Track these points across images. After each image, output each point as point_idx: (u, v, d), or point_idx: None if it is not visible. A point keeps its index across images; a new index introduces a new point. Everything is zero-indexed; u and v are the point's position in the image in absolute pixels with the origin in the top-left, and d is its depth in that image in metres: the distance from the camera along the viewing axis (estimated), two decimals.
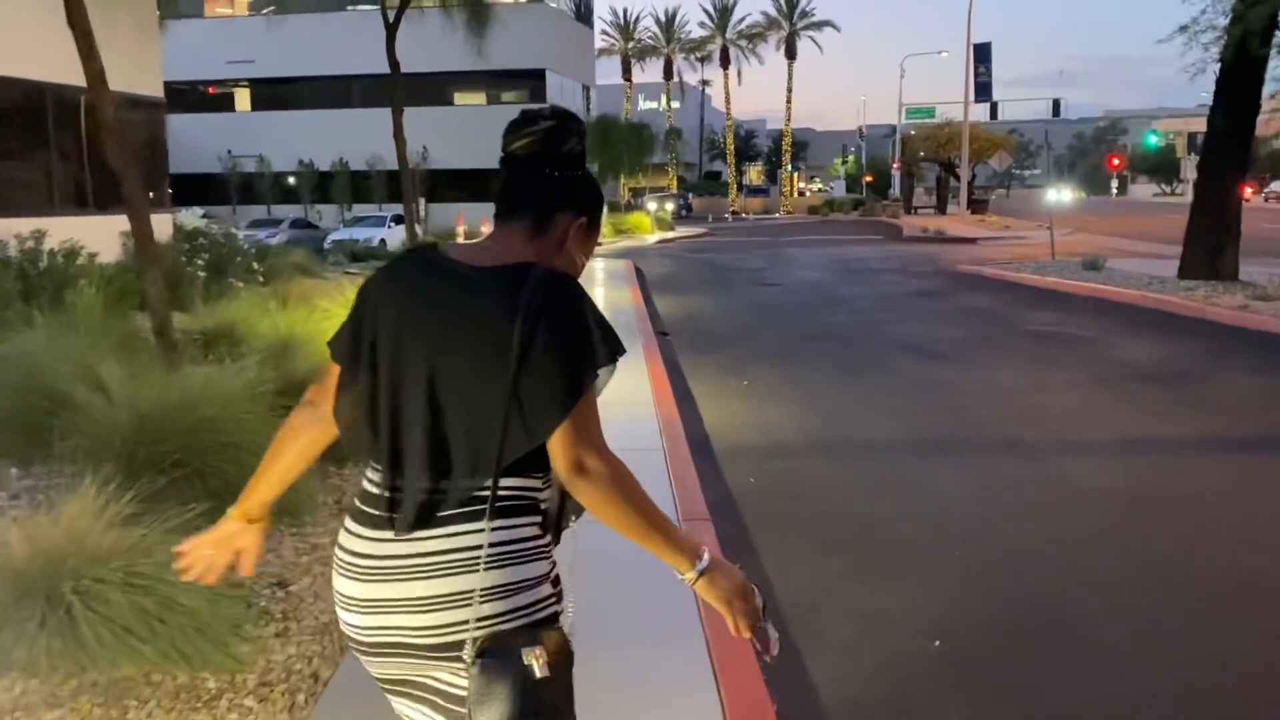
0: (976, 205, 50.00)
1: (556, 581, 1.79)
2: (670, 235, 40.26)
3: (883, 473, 6.72)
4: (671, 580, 1.87)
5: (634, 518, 1.76)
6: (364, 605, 1.74)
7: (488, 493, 1.71)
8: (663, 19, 71.86)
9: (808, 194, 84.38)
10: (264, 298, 10.80)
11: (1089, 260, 19.39)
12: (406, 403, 1.76)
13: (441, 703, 1.76)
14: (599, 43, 62.48)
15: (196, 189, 44.04)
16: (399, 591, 1.71)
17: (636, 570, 3.58)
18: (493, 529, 1.70)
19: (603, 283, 19.31)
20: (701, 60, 73.87)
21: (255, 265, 13.29)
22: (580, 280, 1.89)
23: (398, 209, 34.74)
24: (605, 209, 2.11)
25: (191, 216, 38.56)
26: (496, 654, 1.67)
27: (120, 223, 12.88)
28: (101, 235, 11.79)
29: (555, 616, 1.75)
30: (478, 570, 1.68)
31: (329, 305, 9.90)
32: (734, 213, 65.39)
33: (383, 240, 32.36)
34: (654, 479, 5.95)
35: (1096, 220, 41.84)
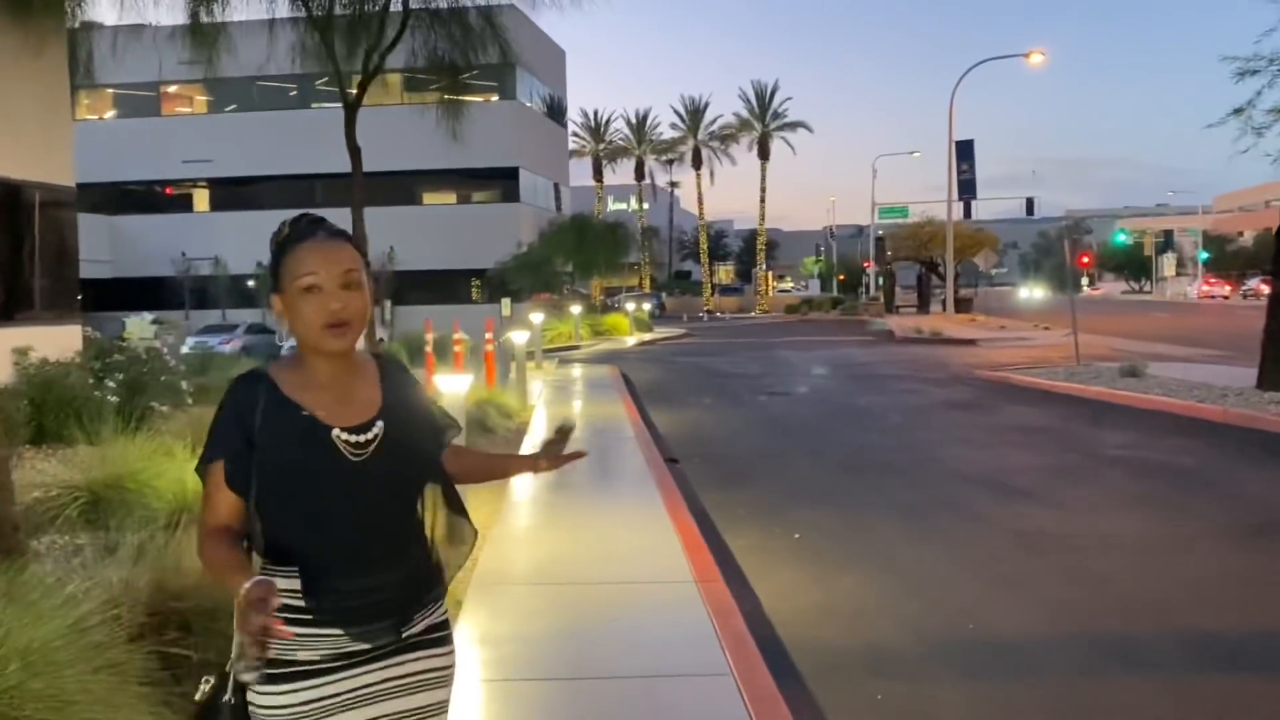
0: (961, 304, 48.73)
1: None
2: (649, 336, 38.44)
3: (1063, 710, 4.58)
4: None
5: (211, 574, 2.03)
6: None
7: None
8: (634, 120, 71.29)
9: (790, 292, 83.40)
10: (183, 431, 8.60)
11: (1126, 367, 17.58)
12: None
13: None
14: (569, 144, 61.62)
15: (148, 293, 41.93)
16: None
17: None
18: None
19: (588, 393, 17.24)
20: (671, 161, 73.37)
21: (183, 385, 11.09)
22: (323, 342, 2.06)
23: None
24: (289, 257, 2.07)
25: (141, 323, 36.43)
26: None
27: (12, 337, 10.78)
28: None
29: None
30: None
31: None
32: (709, 312, 63.95)
33: None
34: None
35: (1084, 319, 40.48)
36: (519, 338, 15.91)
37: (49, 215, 11.63)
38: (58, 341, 10.67)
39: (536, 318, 22.76)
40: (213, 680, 2.04)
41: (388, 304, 40.28)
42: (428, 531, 2.19)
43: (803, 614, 5.88)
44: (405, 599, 2.10)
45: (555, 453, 2.44)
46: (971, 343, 30.49)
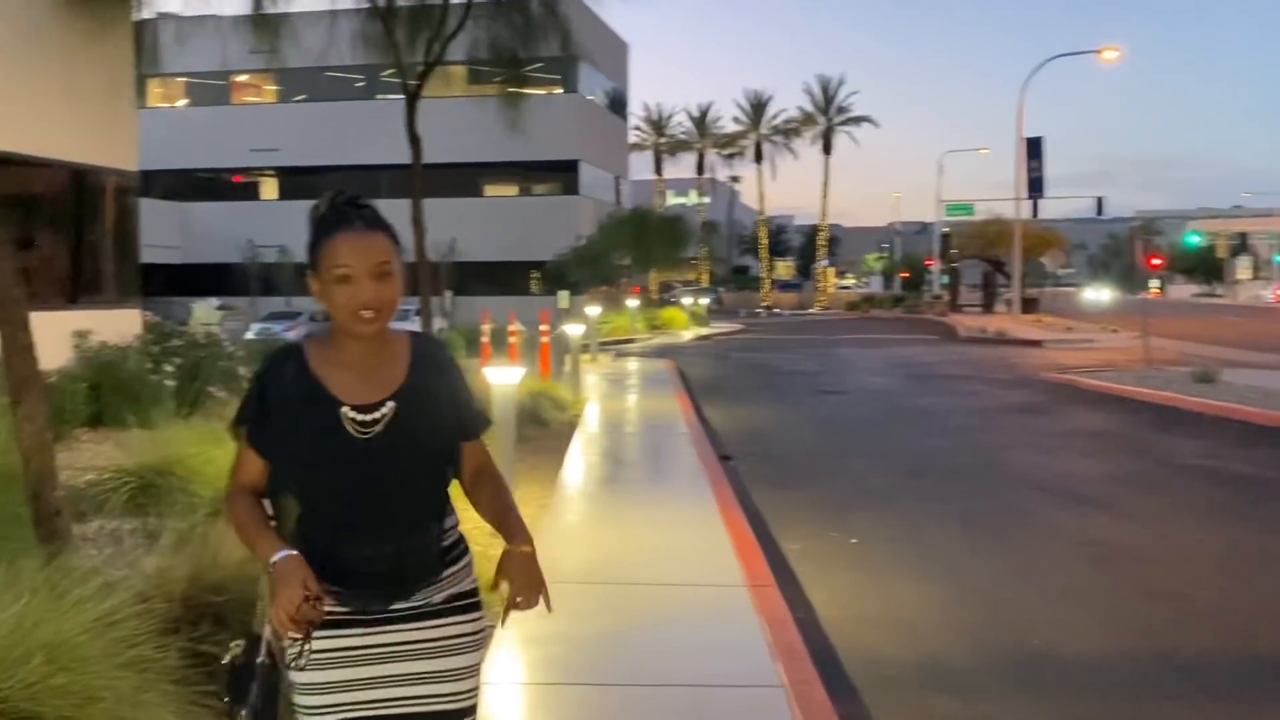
0: (1027, 304, 47.70)
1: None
2: (706, 331, 38.17)
3: None
4: None
5: (237, 533, 2.16)
6: None
7: None
8: (695, 114, 70.93)
9: (850, 289, 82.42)
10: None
11: (1199, 372, 16.99)
12: None
13: None
14: (630, 138, 61.52)
15: (215, 279, 42.61)
16: None
17: None
18: None
19: (642, 386, 17.09)
20: (732, 156, 72.91)
21: (240, 370, 11.13)
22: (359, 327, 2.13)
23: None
24: (325, 245, 2.14)
25: (207, 308, 36.97)
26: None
27: (74, 320, 10.89)
28: (45, 335, 9.65)
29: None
30: None
31: None
32: (767, 308, 63.45)
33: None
34: None
35: (1154, 322, 39.44)
36: (574, 330, 15.80)
37: (112, 199, 11.74)
38: (118, 325, 10.77)
39: (593, 311, 22.66)
40: (243, 643, 2.14)
41: (449, 294, 40.51)
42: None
43: (859, 623, 5.66)
44: (404, 572, 2.16)
45: (535, 591, 2.21)
46: (1037, 344, 29.81)
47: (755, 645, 4.95)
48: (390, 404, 2.16)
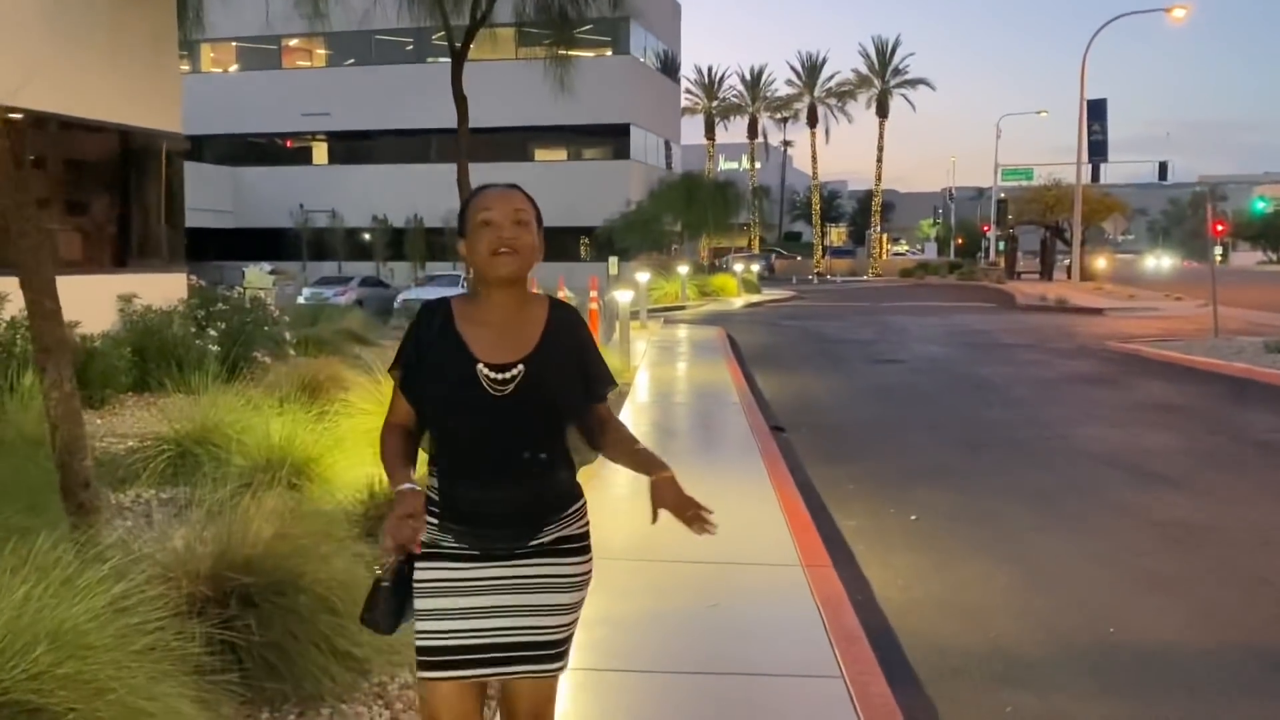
0: (1087, 271, 46.54)
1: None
2: (757, 298, 37.71)
3: None
4: None
5: (382, 463, 2.43)
6: None
7: None
8: (748, 77, 69.92)
9: (904, 255, 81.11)
10: (280, 383, 8.45)
11: (1273, 342, 16.34)
12: None
13: None
14: (682, 101, 60.78)
15: (268, 243, 42.86)
16: None
17: None
18: None
19: (692, 354, 16.79)
20: (785, 120, 71.88)
21: (286, 335, 11.01)
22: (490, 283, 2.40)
23: None
24: (473, 201, 2.42)
25: (259, 273, 37.05)
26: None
27: (119, 284, 10.81)
28: (89, 299, 9.55)
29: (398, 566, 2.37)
30: None
31: (359, 400, 7.47)
32: (819, 274, 62.67)
33: None
34: None
35: (1220, 290, 38.26)
36: (624, 297, 15.51)
37: (158, 162, 11.61)
38: (163, 289, 10.68)
39: (642, 277, 22.35)
40: (390, 561, 2.35)
41: None
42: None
43: (920, 607, 5.36)
44: (524, 518, 2.39)
45: (689, 509, 2.50)
46: (1099, 312, 29.03)
47: (811, 630, 4.68)
48: (520, 366, 2.37)
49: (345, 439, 6.76)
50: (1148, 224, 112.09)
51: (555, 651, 2.47)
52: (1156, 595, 5.56)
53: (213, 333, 9.73)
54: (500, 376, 2.35)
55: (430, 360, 2.38)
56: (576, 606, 2.49)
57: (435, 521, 2.38)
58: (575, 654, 4.46)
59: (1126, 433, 10.18)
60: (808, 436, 10.10)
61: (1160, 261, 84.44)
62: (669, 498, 2.49)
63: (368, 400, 7.42)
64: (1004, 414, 11.50)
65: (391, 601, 2.37)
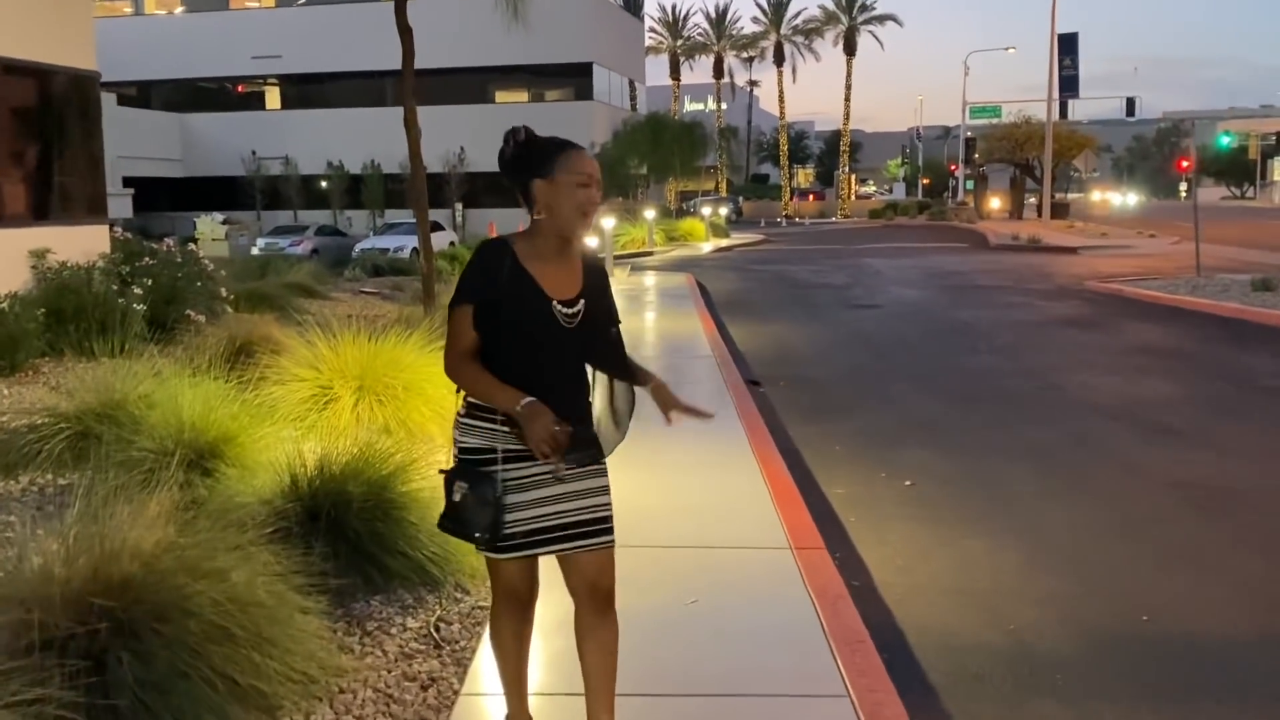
0: (1057, 209, 46.10)
1: (479, 448, 2.76)
2: (726, 243, 36.93)
3: None
4: None
5: (473, 394, 2.74)
6: None
7: None
8: (713, 14, 68.41)
9: (872, 196, 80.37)
10: (207, 346, 7.65)
11: (1258, 280, 15.85)
12: None
13: None
14: (646, 41, 59.35)
15: (220, 193, 41.44)
16: None
17: None
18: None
19: (661, 304, 16.05)
20: (750, 59, 70.52)
21: (223, 291, 10.16)
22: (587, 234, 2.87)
23: (434, 214, 31.68)
24: (567, 155, 2.74)
25: (212, 223, 35.92)
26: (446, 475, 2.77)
27: (29, 238, 9.88)
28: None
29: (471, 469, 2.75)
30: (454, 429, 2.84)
31: (293, 364, 6.70)
32: (788, 217, 61.88)
33: (415, 250, 29.12)
34: None
35: (1190, 226, 37.95)
36: (589, 244, 14.72)
37: (69, 103, 10.58)
38: (81, 243, 9.75)
39: (608, 223, 21.52)
40: (465, 486, 2.71)
41: (458, 206, 39.29)
42: (595, 406, 2.90)
43: (925, 593, 4.73)
44: (580, 420, 2.76)
45: (685, 406, 2.97)
46: (1073, 251, 28.57)
47: (807, 632, 4.02)
48: (581, 302, 2.77)
49: (274, 410, 6.02)
50: (1112, 161, 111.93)
51: (608, 525, 2.83)
52: (1187, 571, 4.96)
53: (138, 290, 8.87)
54: (568, 311, 2.75)
55: (507, 295, 2.68)
56: (609, 488, 2.87)
57: (507, 429, 2.70)
58: (534, 675, 3.84)
59: (1123, 380, 9.60)
60: (786, 391, 9.44)
61: (1125, 199, 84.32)
62: (671, 399, 2.97)
63: (301, 364, 6.67)
64: (991, 362, 10.90)
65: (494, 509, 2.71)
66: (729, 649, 3.91)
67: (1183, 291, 15.88)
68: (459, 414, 2.79)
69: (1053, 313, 14.82)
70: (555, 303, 2.72)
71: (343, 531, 4.21)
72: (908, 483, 6.48)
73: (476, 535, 2.71)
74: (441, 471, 2.78)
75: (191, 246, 10.60)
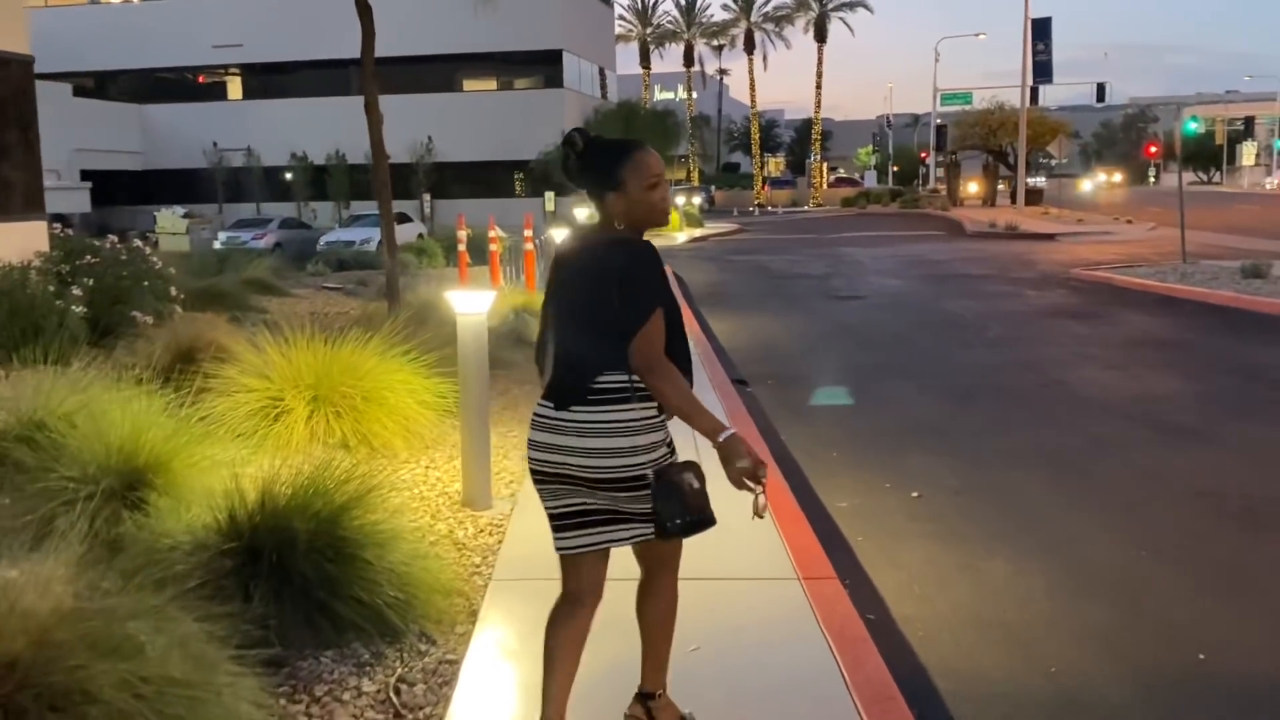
0: (1031, 196, 45.89)
1: (668, 443, 2.77)
2: (700, 232, 36.40)
3: None
4: None
5: (677, 402, 2.68)
6: (540, 447, 2.80)
7: (599, 385, 2.71)
8: (683, 2, 67.64)
9: (843, 183, 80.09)
10: (150, 352, 7.03)
11: (1248, 266, 15.49)
12: (558, 329, 2.84)
13: (623, 516, 2.78)
14: (615, 29, 58.62)
15: (180, 185, 40.48)
16: (562, 441, 2.75)
17: None
18: (603, 410, 2.71)
19: None
20: (720, 48, 69.86)
21: (172, 290, 9.52)
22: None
23: (402, 206, 30.93)
24: (632, 161, 2.76)
25: (172, 216, 34.96)
26: (664, 478, 2.69)
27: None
28: None
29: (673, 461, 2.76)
30: (617, 435, 2.71)
31: (240, 374, 6.09)
32: (760, 205, 61.39)
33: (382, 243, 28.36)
34: None
35: (1164, 212, 37.87)
36: (563, 236, 14.14)
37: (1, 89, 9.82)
38: (16, 241, 9.07)
39: (581, 213, 20.92)
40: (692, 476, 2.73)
41: (426, 197, 38.52)
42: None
43: (950, 627, 4.22)
44: None
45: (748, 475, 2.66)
46: (1051, 238, 28.27)
47: (827, 687, 3.48)
48: None
49: (218, 427, 5.43)
50: (1080, 147, 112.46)
51: None
52: (1238, 599, 4.47)
53: (77, 291, 8.21)
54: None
55: (670, 294, 2.77)
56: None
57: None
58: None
59: (1128, 376, 9.14)
60: (775, 390, 8.92)
61: (1096, 183, 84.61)
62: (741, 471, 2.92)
63: (250, 373, 6.06)
64: (987, 356, 10.42)
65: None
66: (740, 709, 3.37)
67: (1172, 279, 15.51)
68: (647, 418, 2.72)
69: (1042, 302, 14.39)
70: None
71: (288, 576, 3.63)
72: (915, 494, 5.96)
73: (708, 517, 2.72)
74: (656, 474, 2.70)
75: (138, 243, 9.93)
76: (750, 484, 2.57)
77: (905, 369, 9.87)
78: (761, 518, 2.65)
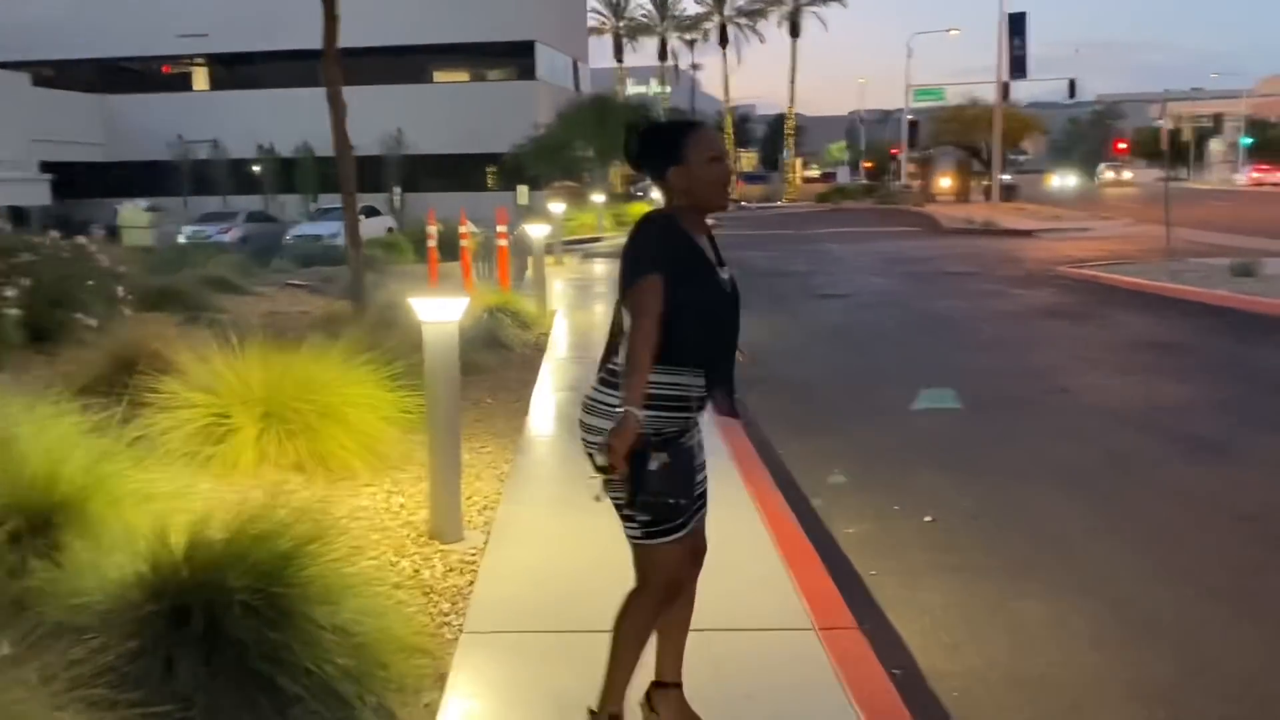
0: (1006, 192, 45.65)
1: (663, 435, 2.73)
2: None
3: None
4: None
5: (634, 358, 2.63)
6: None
7: (610, 367, 2.83)
8: None
9: (817, 179, 79.82)
10: (87, 362, 6.41)
11: (1237, 265, 15.14)
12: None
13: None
14: (588, 21, 57.99)
15: (144, 178, 39.45)
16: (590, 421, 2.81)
17: None
18: (604, 391, 2.79)
19: (615, 297, 14.91)
20: (693, 42, 69.35)
21: (120, 291, 8.87)
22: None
23: (371, 199, 30.18)
24: (694, 136, 2.84)
25: (135, 210, 34.00)
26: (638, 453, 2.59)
27: None
28: None
29: (663, 442, 2.71)
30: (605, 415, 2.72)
31: (185, 388, 5.47)
32: (734, 201, 60.88)
33: None
34: None
35: (1140, 208, 37.73)
36: (537, 231, 13.55)
37: None
38: None
39: (557, 208, 20.33)
40: (664, 457, 2.70)
41: (397, 190, 37.76)
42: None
43: (987, 685, 3.69)
44: (734, 382, 2.98)
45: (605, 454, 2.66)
46: (1029, 234, 27.93)
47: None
48: (728, 269, 2.91)
49: (154, 451, 4.82)
50: (1050, 143, 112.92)
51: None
52: None
53: (10, 292, 7.57)
54: (727, 277, 2.88)
55: (688, 268, 2.75)
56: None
57: (701, 392, 2.83)
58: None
59: (1135, 382, 8.68)
60: (767, 399, 8.37)
61: (1065, 181, 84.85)
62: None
63: (194, 386, 5.45)
64: (983, 360, 9.94)
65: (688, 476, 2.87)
66: None
67: (1163, 278, 15.12)
68: (651, 388, 2.66)
69: (1032, 302, 13.95)
70: (720, 269, 2.84)
71: (220, 642, 3.05)
72: (928, 518, 5.45)
73: (673, 502, 2.73)
74: (636, 453, 2.61)
75: (82, 240, 9.28)
76: (616, 461, 2.54)
77: (900, 374, 9.36)
78: (598, 500, 2.72)
